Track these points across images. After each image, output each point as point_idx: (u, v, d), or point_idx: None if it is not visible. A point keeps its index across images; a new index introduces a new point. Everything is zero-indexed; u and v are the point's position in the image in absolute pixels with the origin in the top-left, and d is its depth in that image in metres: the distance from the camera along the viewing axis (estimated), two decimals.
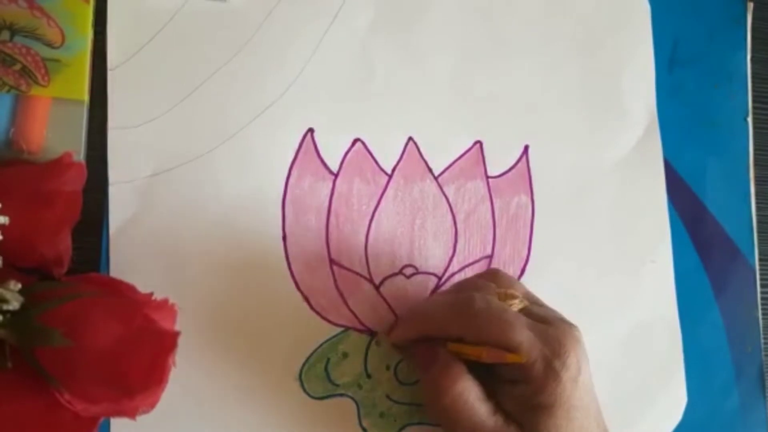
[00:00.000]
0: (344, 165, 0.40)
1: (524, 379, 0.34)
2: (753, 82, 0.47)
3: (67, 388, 0.31)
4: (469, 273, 0.41)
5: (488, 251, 0.42)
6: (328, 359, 0.39)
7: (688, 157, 0.45)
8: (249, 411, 0.38)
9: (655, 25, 0.46)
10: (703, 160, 0.46)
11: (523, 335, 0.33)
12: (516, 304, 0.36)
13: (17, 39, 0.36)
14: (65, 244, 0.34)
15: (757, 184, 0.46)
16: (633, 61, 0.45)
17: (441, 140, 0.42)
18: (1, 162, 0.35)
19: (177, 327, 0.33)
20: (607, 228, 0.44)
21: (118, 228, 0.38)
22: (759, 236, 0.46)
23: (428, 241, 0.41)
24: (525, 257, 0.42)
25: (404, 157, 0.41)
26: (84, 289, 0.33)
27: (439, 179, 0.42)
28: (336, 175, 0.40)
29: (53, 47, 0.36)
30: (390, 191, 0.41)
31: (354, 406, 0.39)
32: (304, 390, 0.39)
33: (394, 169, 0.41)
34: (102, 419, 0.32)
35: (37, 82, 0.36)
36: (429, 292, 0.41)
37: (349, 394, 0.39)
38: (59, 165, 0.35)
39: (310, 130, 0.40)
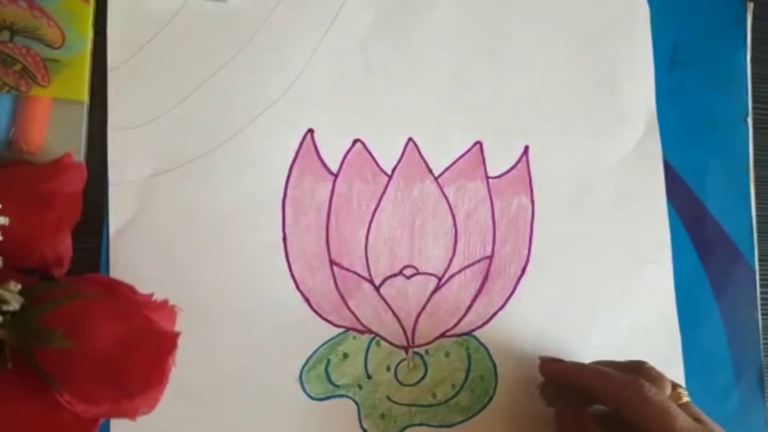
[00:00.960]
0: (344, 165, 0.40)
1: None
2: (753, 82, 0.47)
3: (67, 389, 0.31)
4: (469, 274, 0.41)
5: (488, 252, 0.42)
6: (329, 360, 0.39)
7: (688, 157, 0.45)
8: (249, 412, 0.38)
9: (654, 26, 0.45)
10: (702, 161, 0.46)
11: (684, 425, 0.35)
12: (684, 395, 0.38)
13: (17, 39, 0.36)
14: (65, 245, 0.34)
15: (757, 185, 0.46)
16: (633, 61, 0.45)
17: (441, 141, 0.42)
18: (1, 162, 0.35)
19: (177, 328, 0.33)
20: (607, 228, 0.44)
21: (118, 228, 0.38)
22: (759, 236, 0.46)
23: (428, 242, 0.41)
24: (525, 257, 0.42)
25: (404, 157, 0.41)
26: (84, 289, 0.33)
27: (439, 180, 0.42)
28: (336, 176, 0.40)
29: (53, 48, 0.36)
30: (390, 192, 0.41)
31: (354, 407, 0.39)
32: (305, 391, 0.39)
33: (394, 170, 0.41)
34: (102, 420, 0.32)
35: (37, 83, 0.36)
36: (429, 292, 0.41)
37: (350, 395, 0.39)
38: (59, 165, 0.35)
39: (310, 131, 0.40)
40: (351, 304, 0.40)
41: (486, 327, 0.41)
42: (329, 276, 0.40)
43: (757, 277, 0.46)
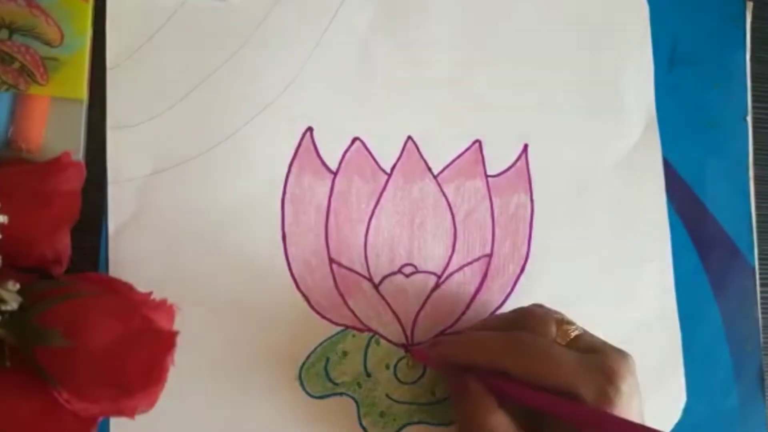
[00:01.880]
0: (343, 164, 0.40)
1: None
2: (752, 81, 0.47)
3: (66, 388, 0.31)
4: (468, 272, 0.41)
5: (488, 250, 0.42)
6: (328, 358, 0.39)
7: (688, 156, 0.45)
8: (248, 410, 0.38)
9: (654, 25, 0.45)
10: (702, 160, 0.46)
11: (569, 367, 0.33)
12: (572, 330, 0.36)
13: (16, 38, 0.36)
14: (64, 244, 0.34)
15: (756, 184, 0.46)
16: (632, 60, 0.45)
17: (440, 139, 0.42)
18: None
19: (176, 326, 0.33)
20: (607, 227, 0.44)
21: (117, 227, 0.37)
22: (759, 236, 0.46)
23: (427, 240, 0.41)
24: (524, 256, 0.42)
25: (403, 156, 0.41)
26: (83, 288, 0.33)
27: (439, 178, 0.42)
28: (335, 174, 0.40)
29: (52, 46, 0.36)
30: (389, 190, 0.41)
31: (354, 405, 0.39)
32: (304, 389, 0.39)
33: (393, 168, 0.41)
34: (101, 419, 0.32)
35: (35, 81, 0.36)
36: (428, 291, 0.41)
37: (349, 393, 0.39)
38: (58, 164, 0.34)
39: (309, 129, 0.40)
40: (350, 302, 0.40)
41: None
42: (328, 274, 0.40)
43: (757, 275, 0.46)
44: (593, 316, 0.42)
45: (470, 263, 0.42)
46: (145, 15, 0.39)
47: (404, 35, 0.42)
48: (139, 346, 0.31)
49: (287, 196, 0.39)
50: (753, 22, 0.47)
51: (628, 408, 0.33)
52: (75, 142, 0.37)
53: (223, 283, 0.38)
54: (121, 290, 0.34)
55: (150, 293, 0.33)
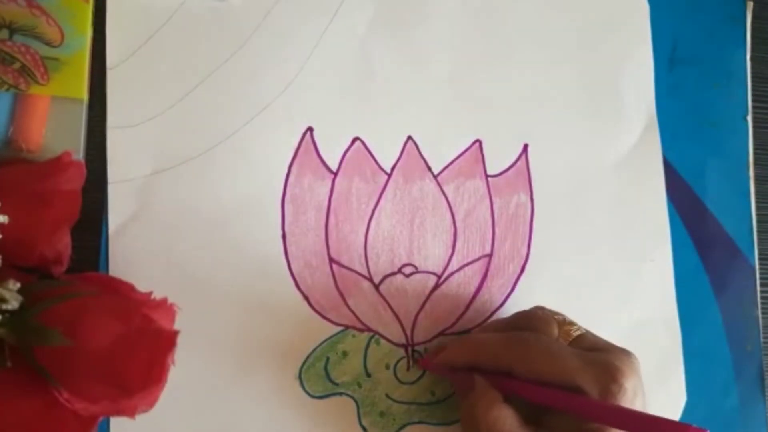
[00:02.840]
0: (343, 164, 0.40)
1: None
2: (752, 81, 0.47)
3: (66, 387, 0.31)
4: (468, 272, 0.41)
5: (488, 250, 0.42)
6: (328, 358, 0.39)
7: (688, 156, 0.45)
8: (248, 410, 0.38)
9: (654, 24, 0.45)
10: (702, 160, 0.46)
11: (573, 364, 0.33)
12: (574, 330, 0.36)
13: (16, 38, 0.36)
14: (64, 243, 0.34)
15: (756, 183, 0.46)
16: (632, 60, 0.45)
17: (440, 139, 0.42)
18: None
19: (176, 326, 0.33)
20: (607, 227, 0.44)
21: (117, 227, 0.38)
22: (759, 235, 0.46)
23: (427, 240, 0.41)
24: (525, 256, 0.42)
25: (403, 155, 0.41)
26: (83, 288, 0.33)
27: (439, 178, 0.42)
28: (335, 174, 0.40)
29: (52, 46, 0.36)
30: (389, 190, 0.41)
31: (354, 405, 0.39)
32: (304, 389, 0.39)
33: (393, 168, 0.41)
34: (101, 418, 0.32)
35: (36, 81, 0.36)
36: (428, 291, 0.41)
37: (349, 393, 0.39)
38: (58, 164, 0.34)
39: (310, 129, 0.40)
40: (350, 302, 0.40)
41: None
42: (328, 274, 0.40)
43: (757, 275, 0.46)
44: (593, 316, 0.42)
45: (470, 263, 0.42)
46: (145, 15, 0.39)
47: (404, 35, 0.42)
48: (139, 346, 0.31)
49: (287, 196, 0.39)
50: (753, 22, 0.47)
51: (631, 406, 0.33)
52: (75, 142, 0.37)
53: (224, 282, 0.38)
54: (121, 290, 0.34)
55: (150, 293, 0.33)
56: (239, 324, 0.38)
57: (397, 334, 0.40)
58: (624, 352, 0.35)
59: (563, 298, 0.42)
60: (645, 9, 0.45)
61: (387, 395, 0.40)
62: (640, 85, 0.45)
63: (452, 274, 0.41)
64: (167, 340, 0.31)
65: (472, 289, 0.41)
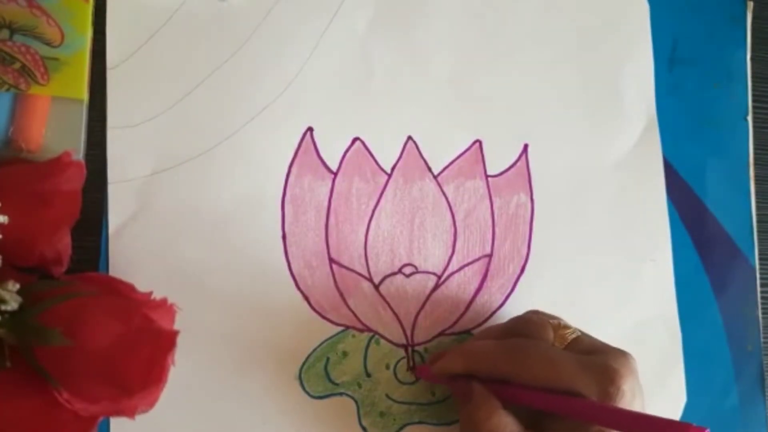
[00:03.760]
0: (343, 164, 0.40)
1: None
2: (753, 81, 0.47)
3: (66, 388, 0.31)
4: (468, 272, 0.41)
5: (488, 250, 0.42)
6: (328, 358, 0.39)
7: (688, 156, 0.45)
8: (248, 410, 0.38)
9: (654, 24, 0.45)
10: (702, 160, 0.46)
11: (570, 369, 0.33)
12: (569, 334, 0.36)
13: (17, 38, 0.36)
14: (64, 243, 0.34)
15: (757, 184, 0.46)
16: (632, 60, 0.45)
17: (440, 139, 0.42)
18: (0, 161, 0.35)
19: (176, 326, 0.33)
20: (607, 227, 0.44)
21: (117, 227, 0.38)
22: (759, 235, 0.46)
23: (427, 240, 0.41)
24: (525, 256, 0.42)
25: (403, 156, 0.41)
26: (83, 288, 0.33)
27: (439, 178, 0.42)
28: (335, 174, 0.40)
29: (52, 46, 0.36)
30: (389, 190, 0.41)
31: (354, 405, 0.39)
32: (304, 389, 0.39)
33: (393, 168, 0.41)
34: (101, 418, 0.32)
35: (36, 81, 0.36)
36: (428, 291, 0.41)
37: (349, 393, 0.39)
38: (58, 164, 0.35)
39: (310, 129, 0.40)
40: (350, 302, 0.40)
41: (485, 325, 0.41)
42: (328, 274, 0.40)
43: (758, 275, 0.46)
44: (593, 316, 0.42)
45: (470, 263, 0.42)
46: (145, 15, 0.39)
47: (404, 35, 0.42)
48: (139, 346, 0.31)
49: (287, 196, 0.39)
50: (753, 22, 0.47)
51: (630, 407, 0.33)
52: (75, 142, 0.37)
53: (223, 282, 0.38)
54: (122, 290, 0.34)
55: (150, 293, 0.33)
56: (239, 324, 0.38)
57: (397, 335, 0.40)
58: (621, 354, 0.35)
59: (563, 298, 0.42)
60: (645, 9, 0.45)
61: (387, 395, 0.40)
62: (640, 85, 0.45)
63: (452, 274, 0.41)
64: (167, 340, 0.31)
65: (472, 289, 0.41)
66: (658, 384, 0.43)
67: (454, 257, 0.41)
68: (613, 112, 0.44)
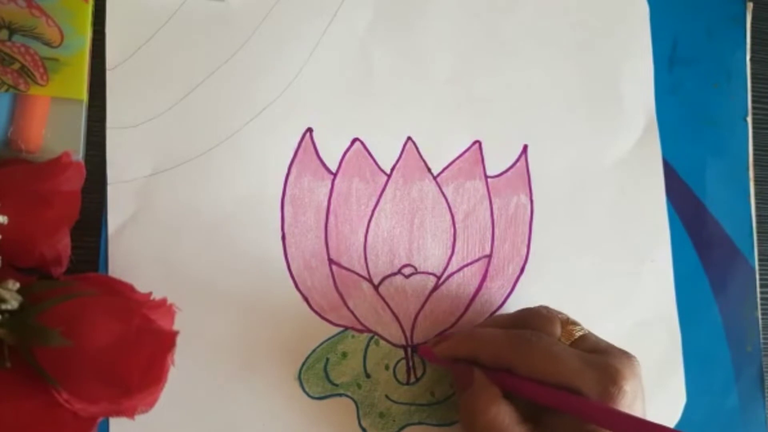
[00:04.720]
0: (343, 164, 0.40)
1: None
2: (752, 81, 0.47)
3: (66, 388, 0.31)
4: (467, 273, 0.41)
5: (487, 251, 0.42)
6: (327, 359, 0.39)
7: (688, 156, 0.45)
8: (248, 411, 0.38)
9: (654, 25, 0.45)
10: (702, 160, 0.46)
11: (573, 365, 0.33)
12: (577, 330, 0.36)
13: (16, 38, 0.36)
14: (64, 244, 0.34)
15: (756, 184, 0.46)
16: (632, 60, 0.45)
17: (440, 140, 0.42)
18: None
19: (175, 326, 0.33)
20: (607, 228, 0.44)
21: (116, 228, 0.38)
22: (759, 236, 0.46)
23: (427, 241, 0.41)
24: (524, 256, 0.42)
25: (403, 156, 0.41)
26: (82, 288, 0.33)
27: (438, 179, 0.42)
28: (335, 175, 0.40)
29: (52, 46, 0.36)
30: (389, 191, 0.41)
31: (353, 405, 0.39)
32: (304, 390, 0.39)
33: (393, 169, 0.41)
34: (101, 419, 0.32)
35: (35, 82, 0.36)
36: (428, 291, 0.41)
37: (349, 393, 0.39)
38: (58, 164, 0.35)
39: (309, 130, 0.40)
40: (350, 303, 0.40)
41: None
42: (328, 275, 0.40)
43: (757, 276, 0.46)
44: (593, 317, 0.42)
45: (470, 264, 0.42)
46: (145, 15, 0.39)
47: (404, 35, 0.42)
48: (138, 347, 0.31)
49: (287, 196, 0.40)
50: (753, 22, 0.47)
51: (630, 409, 0.33)
52: (75, 143, 0.37)
53: (223, 283, 0.38)
54: (121, 290, 0.34)
55: (150, 293, 0.33)
56: (239, 325, 0.38)
57: (396, 335, 0.40)
58: (625, 355, 0.35)
59: (563, 298, 0.42)
60: (645, 9, 0.45)
61: (387, 396, 0.40)
62: (640, 85, 0.45)
63: (452, 274, 0.41)
64: (167, 341, 0.31)
65: (472, 289, 0.41)
66: (657, 384, 0.43)
67: (454, 258, 0.41)
68: (612, 113, 0.44)
